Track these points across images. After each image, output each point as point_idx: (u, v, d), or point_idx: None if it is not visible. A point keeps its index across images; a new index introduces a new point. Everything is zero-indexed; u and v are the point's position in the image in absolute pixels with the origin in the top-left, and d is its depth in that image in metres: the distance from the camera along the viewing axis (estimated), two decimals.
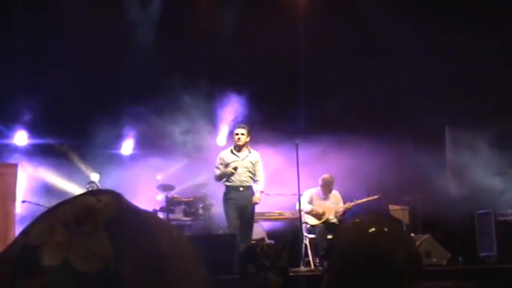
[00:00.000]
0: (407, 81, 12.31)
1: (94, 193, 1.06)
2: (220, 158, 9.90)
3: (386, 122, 12.13)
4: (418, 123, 12.41)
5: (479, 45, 12.02)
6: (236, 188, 9.69)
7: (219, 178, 9.88)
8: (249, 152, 9.84)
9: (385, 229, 1.89)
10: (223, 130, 13.19)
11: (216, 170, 9.89)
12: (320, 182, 11.15)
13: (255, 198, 9.79)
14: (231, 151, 9.85)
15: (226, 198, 9.77)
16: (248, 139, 9.81)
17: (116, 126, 12.59)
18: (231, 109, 12.70)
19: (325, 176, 11.15)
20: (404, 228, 11.67)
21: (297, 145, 9.94)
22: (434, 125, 13.04)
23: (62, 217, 1.01)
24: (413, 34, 12.17)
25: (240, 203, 9.65)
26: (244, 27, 12.44)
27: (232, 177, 9.69)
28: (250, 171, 9.75)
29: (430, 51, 12.42)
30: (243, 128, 9.82)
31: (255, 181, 9.84)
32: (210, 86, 12.20)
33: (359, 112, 12.30)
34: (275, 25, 12.50)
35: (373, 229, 1.89)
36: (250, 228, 9.84)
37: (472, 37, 11.96)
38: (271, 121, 10.32)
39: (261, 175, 9.89)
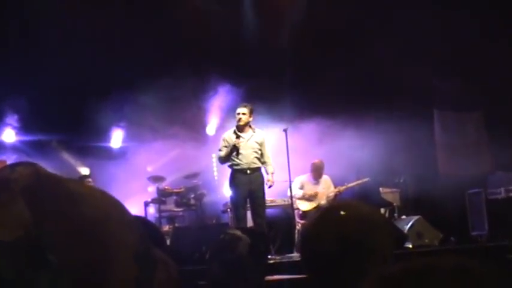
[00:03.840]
0: (395, 63, 12.30)
1: (10, 166, 1.07)
2: (223, 140, 9.58)
3: (374, 105, 12.12)
4: (406, 105, 12.42)
5: (466, 26, 12.02)
6: (244, 171, 9.37)
7: (224, 159, 9.53)
8: (254, 132, 9.56)
9: (348, 212, 1.90)
10: (213, 119, 13.17)
11: (219, 152, 9.59)
12: (310, 168, 11.17)
13: (269, 181, 9.56)
14: (234, 132, 9.55)
15: (234, 183, 9.45)
16: (250, 119, 9.54)
17: (104, 120, 12.52)
18: (220, 97, 12.67)
19: (315, 161, 11.17)
20: (396, 210, 11.76)
21: (285, 131, 9.88)
22: (422, 106, 13.05)
23: None
24: (399, 15, 12.15)
25: (250, 187, 9.33)
26: (230, 12, 12.39)
27: (238, 160, 9.36)
28: (256, 152, 9.45)
29: (418, 32, 12.40)
30: (244, 107, 9.54)
31: (263, 163, 9.57)
32: (198, 75, 12.15)
33: (348, 96, 12.28)
34: (261, 8, 12.50)
35: (342, 213, 1.90)
36: (263, 209, 9.50)
37: (458, 17, 11.96)
38: (259, 107, 10.23)
39: (269, 156, 9.64)
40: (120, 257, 1.03)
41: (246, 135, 9.49)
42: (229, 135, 9.59)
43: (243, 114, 9.47)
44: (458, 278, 0.91)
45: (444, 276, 0.91)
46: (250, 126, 9.59)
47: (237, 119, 9.51)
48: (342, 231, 1.84)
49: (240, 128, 9.52)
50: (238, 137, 9.42)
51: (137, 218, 3.08)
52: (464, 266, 0.93)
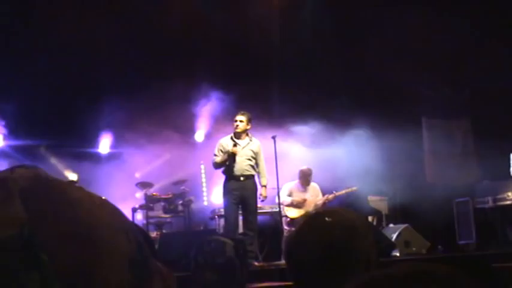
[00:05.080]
0: (384, 71, 12.36)
1: (11, 168, 1.08)
2: (220, 145, 9.60)
3: (363, 113, 12.16)
4: (395, 113, 12.48)
5: (454, 34, 12.09)
6: (237, 177, 9.40)
7: (219, 165, 9.58)
8: (250, 140, 9.59)
9: (331, 219, 1.91)
10: (202, 126, 13.16)
11: (215, 157, 9.59)
12: (298, 175, 11.19)
13: (262, 195, 9.64)
14: (231, 138, 9.57)
15: (226, 190, 9.47)
16: (248, 127, 9.55)
17: (93, 125, 12.50)
18: (209, 104, 12.66)
19: (303, 168, 11.19)
20: (384, 218, 11.79)
21: (274, 138, 9.91)
22: (411, 115, 13.11)
23: None
24: (387, 23, 12.21)
25: (241, 194, 9.36)
26: (217, 19, 12.42)
27: (232, 166, 9.40)
28: (250, 160, 9.48)
29: (408, 40, 12.46)
30: (242, 115, 9.56)
31: (257, 172, 9.60)
32: (188, 81, 12.15)
33: (336, 104, 12.32)
34: (248, 14, 12.53)
35: (327, 219, 1.91)
36: (254, 216, 9.53)
37: (446, 26, 12.03)
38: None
39: (263, 168, 9.68)
40: (112, 263, 1.05)
41: (242, 142, 9.55)
42: (225, 141, 9.63)
43: (241, 121, 9.52)
44: (425, 283, 0.93)
45: (415, 281, 0.93)
46: (247, 134, 9.64)
47: (235, 126, 9.57)
48: (326, 238, 1.85)
49: (237, 135, 9.58)
50: (235, 144, 9.44)
51: (138, 227, 3.11)
52: (429, 271, 0.95)
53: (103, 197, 1.14)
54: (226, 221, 9.60)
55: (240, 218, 9.71)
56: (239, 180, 9.43)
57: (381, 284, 0.94)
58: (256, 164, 9.60)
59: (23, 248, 0.96)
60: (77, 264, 1.00)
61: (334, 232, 1.86)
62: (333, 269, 1.82)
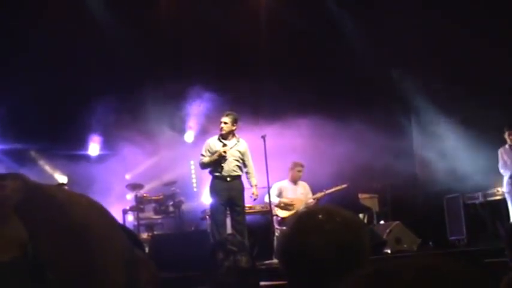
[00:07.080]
0: (375, 69, 12.38)
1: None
2: (207, 145, 9.60)
3: (353, 110, 12.17)
4: (385, 110, 12.49)
5: (444, 31, 12.10)
6: (224, 178, 9.42)
7: (206, 165, 9.58)
8: (237, 141, 9.60)
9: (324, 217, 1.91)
10: (192, 126, 13.14)
11: (202, 157, 9.59)
12: (290, 166, 11.15)
13: (254, 194, 9.66)
14: (218, 139, 9.58)
15: (214, 190, 9.50)
16: (234, 127, 9.55)
17: (82, 127, 12.46)
18: (199, 104, 12.64)
19: (295, 160, 11.20)
20: (375, 215, 11.79)
21: (264, 138, 9.89)
22: (401, 112, 13.13)
23: None
24: (378, 19, 12.23)
25: (229, 194, 9.39)
26: (206, 17, 12.42)
27: (219, 167, 9.40)
28: (238, 161, 9.50)
29: (398, 37, 12.48)
30: (226, 116, 9.56)
31: (246, 173, 9.63)
32: (175, 82, 12.12)
33: (326, 102, 12.32)
34: (237, 13, 12.54)
35: (319, 217, 1.91)
36: (243, 216, 9.56)
37: (436, 22, 12.05)
38: (238, 113, 10.21)
39: (251, 167, 9.70)
40: (112, 263, 1.03)
41: (229, 143, 9.55)
42: (213, 142, 9.62)
43: (225, 123, 9.52)
44: (425, 277, 0.92)
45: (412, 275, 0.92)
46: (234, 135, 9.61)
47: (220, 127, 9.54)
48: (321, 236, 1.84)
49: (224, 136, 9.57)
50: (224, 145, 9.41)
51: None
52: (432, 265, 0.94)
53: (86, 195, 1.12)
54: (214, 222, 9.57)
55: (228, 218, 9.72)
56: (226, 180, 9.44)
57: (394, 275, 0.93)
58: (244, 164, 9.60)
59: (29, 267, 0.94)
60: (75, 268, 0.98)
61: (327, 230, 1.86)
62: (328, 266, 1.81)
